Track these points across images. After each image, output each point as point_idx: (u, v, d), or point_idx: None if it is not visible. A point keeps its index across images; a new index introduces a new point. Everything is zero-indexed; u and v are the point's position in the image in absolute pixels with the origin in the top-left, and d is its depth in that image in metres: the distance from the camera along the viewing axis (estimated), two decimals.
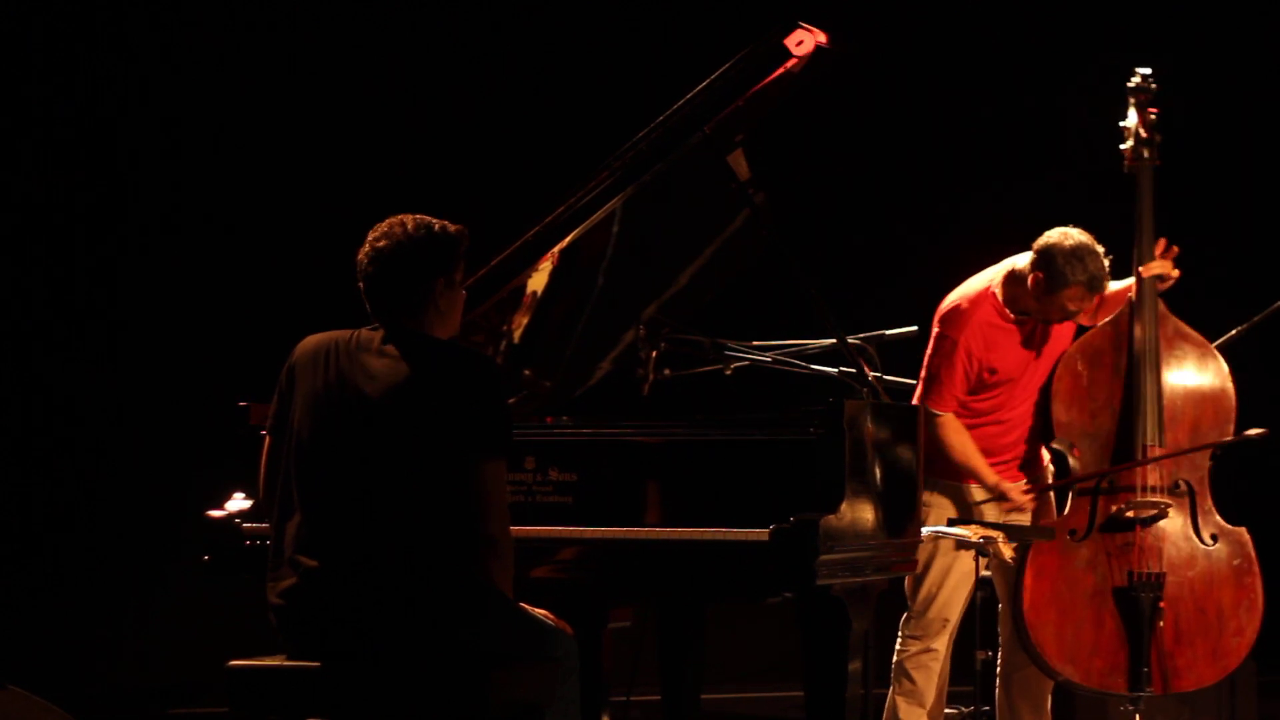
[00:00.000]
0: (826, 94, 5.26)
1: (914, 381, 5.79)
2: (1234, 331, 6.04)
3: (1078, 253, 5.65)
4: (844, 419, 4.61)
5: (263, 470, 4.49)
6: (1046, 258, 5.69)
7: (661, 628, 5.40)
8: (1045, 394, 5.87)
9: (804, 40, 4.80)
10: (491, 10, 8.27)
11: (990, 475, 5.82)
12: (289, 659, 4.30)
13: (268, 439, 4.47)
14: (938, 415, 5.75)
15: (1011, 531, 5.72)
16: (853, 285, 6.14)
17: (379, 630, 4.21)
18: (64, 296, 8.09)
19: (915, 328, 5.80)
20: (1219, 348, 6.02)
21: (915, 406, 5.03)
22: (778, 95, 4.98)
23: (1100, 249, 5.70)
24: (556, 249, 5.04)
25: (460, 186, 7.72)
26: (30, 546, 7.95)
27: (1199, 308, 6.12)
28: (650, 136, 4.91)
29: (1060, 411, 5.85)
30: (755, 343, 5.21)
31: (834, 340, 5.02)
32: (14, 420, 8.00)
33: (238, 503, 4.94)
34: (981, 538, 5.57)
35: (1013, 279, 5.80)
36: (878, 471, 4.74)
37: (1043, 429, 5.91)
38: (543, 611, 4.41)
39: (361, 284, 4.41)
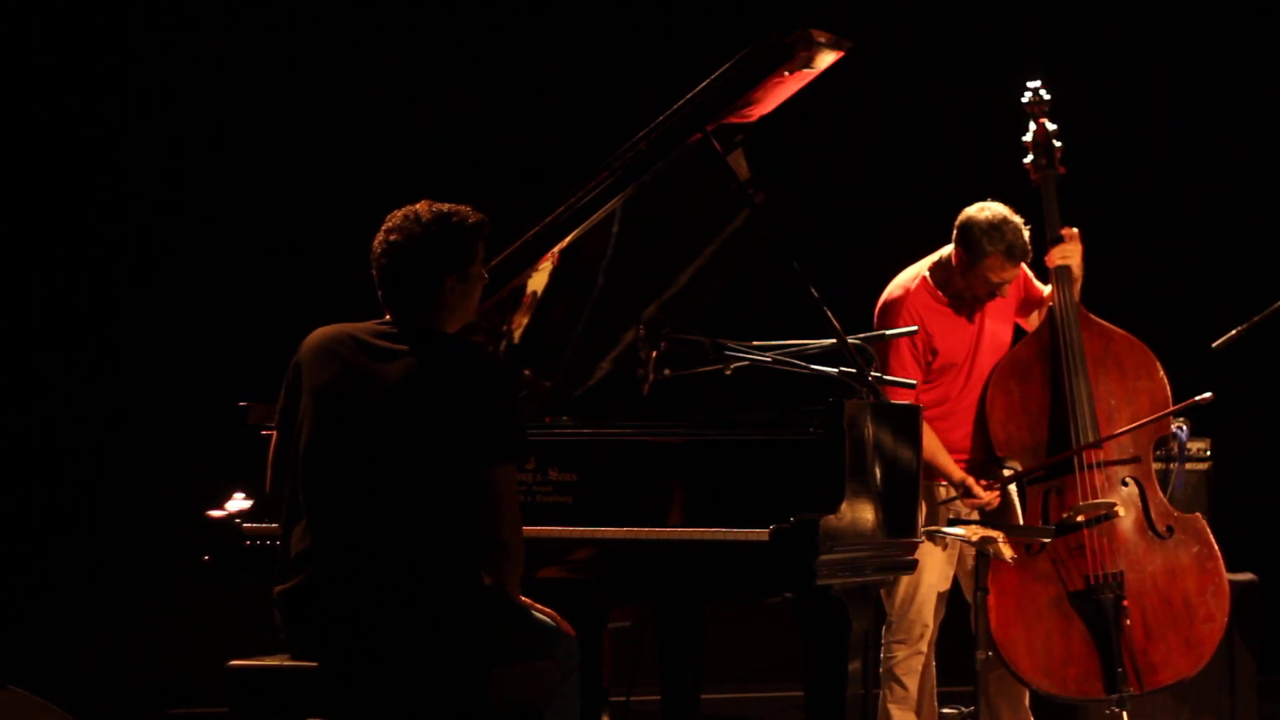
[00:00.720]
0: (826, 94, 5.25)
1: (912, 381, 5.78)
2: (1234, 331, 6.04)
3: (993, 223, 5.73)
4: (844, 419, 4.61)
5: (269, 467, 4.47)
6: (964, 232, 5.78)
7: (661, 628, 5.39)
8: (981, 414, 5.89)
9: (805, 40, 4.79)
10: (491, 10, 8.26)
11: (955, 470, 5.84)
12: (291, 659, 4.30)
13: (275, 435, 4.44)
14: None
15: (1011, 531, 5.72)
16: (853, 285, 6.13)
17: (379, 630, 4.21)
18: (64, 296, 8.09)
19: (915, 328, 5.81)
20: (1219, 348, 6.02)
21: (915, 406, 5.03)
22: (779, 96, 4.98)
23: (1019, 219, 5.77)
24: (556, 249, 5.04)
25: (461, 187, 7.69)
26: (30, 546, 7.95)
27: (1199, 308, 6.12)
28: (650, 136, 4.91)
29: (998, 430, 5.87)
30: (755, 343, 5.20)
31: (834, 340, 5.02)
32: (14, 420, 8.00)
33: (238, 503, 4.94)
34: (980, 538, 5.57)
35: (940, 263, 5.90)
36: (877, 471, 4.74)
37: (986, 449, 5.92)
38: (548, 611, 4.41)
39: (374, 273, 4.38)
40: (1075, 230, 5.93)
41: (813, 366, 5.09)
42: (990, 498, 5.83)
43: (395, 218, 4.36)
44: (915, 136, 8.37)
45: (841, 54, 4.89)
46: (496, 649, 4.25)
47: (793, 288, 4.92)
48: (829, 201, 8.14)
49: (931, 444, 5.77)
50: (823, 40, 4.82)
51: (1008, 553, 5.61)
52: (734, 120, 4.97)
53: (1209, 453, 6.52)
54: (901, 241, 6.25)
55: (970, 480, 5.82)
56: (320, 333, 4.38)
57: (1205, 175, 8.43)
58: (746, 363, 5.16)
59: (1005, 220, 5.75)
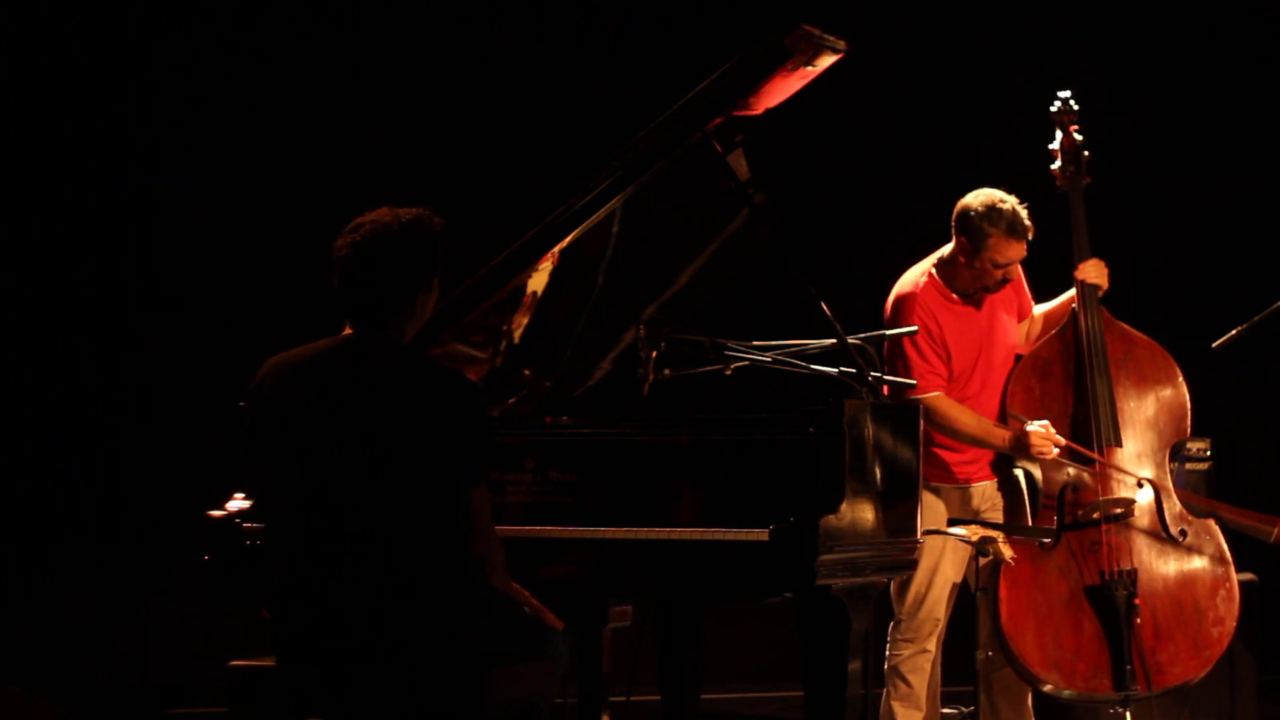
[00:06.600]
0: (827, 94, 5.25)
1: (913, 382, 5.77)
2: (1234, 331, 6.05)
3: (990, 204, 5.78)
4: (844, 419, 4.61)
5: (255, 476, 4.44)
6: (963, 219, 5.82)
7: (661, 628, 5.40)
8: (1001, 410, 5.90)
9: (805, 40, 4.79)
10: (491, 10, 8.27)
11: (1007, 431, 5.81)
12: (283, 660, 4.30)
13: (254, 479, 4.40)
14: (931, 398, 5.75)
15: (1011, 531, 5.73)
16: (852, 285, 6.13)
17: (378, 630, 4.21)
18: (65, 296, 8.09)
19: (916, 328, 5.80)
20: (1219, 348, 6.03)
21: (915, 407, 5.03)
22: (781, 93, 4.98)
23: (1013, 199, 5.78)
24: (556, 249, 5.04)
25: (460, 187, 7.72)
26: (31, 546, 7.95)
27: (1199, 308, 6.13)
28: (650, 136, 4.91)
29: (1017, 426, 5.87)
30: (755, 343, 5.20)
31: (834, 340, 5.02)
32: (14, 420, 8.00)
33: (238, 503, 4.94)
34: (980, 538, 5.57)
35: (944, 261, 5.91)
36: (877, 471, 4.74)
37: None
38: (534, 602, 4.39)
39: (338, 281, 4.28)
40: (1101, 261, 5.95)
41: (813, 366, 5.09)
42: (1053, 444, 5.75)
43: (363, 227, 4.25)
44: (918, 136, 8.37)
45: (841, 53, 4.89)
46: (496, 648, 4.25)
47: (793, 288, 4.92)
48: (829, 201, 8.14)
49: (976, 417, 5.78)
50: (821, 39, 4.82)
51: (1008, 553, 5.61)
52: (738, 114, 4.97)
53: (1209, 453, 6.52)
54: (902, 242, 6.26)
55: (1033, 429, 5.76)
56: (280, 357, 4.29)
57: (1204, 175, 8.43)
58: (746, 363, 5.16)
59: (1001, 199, 5.80)
